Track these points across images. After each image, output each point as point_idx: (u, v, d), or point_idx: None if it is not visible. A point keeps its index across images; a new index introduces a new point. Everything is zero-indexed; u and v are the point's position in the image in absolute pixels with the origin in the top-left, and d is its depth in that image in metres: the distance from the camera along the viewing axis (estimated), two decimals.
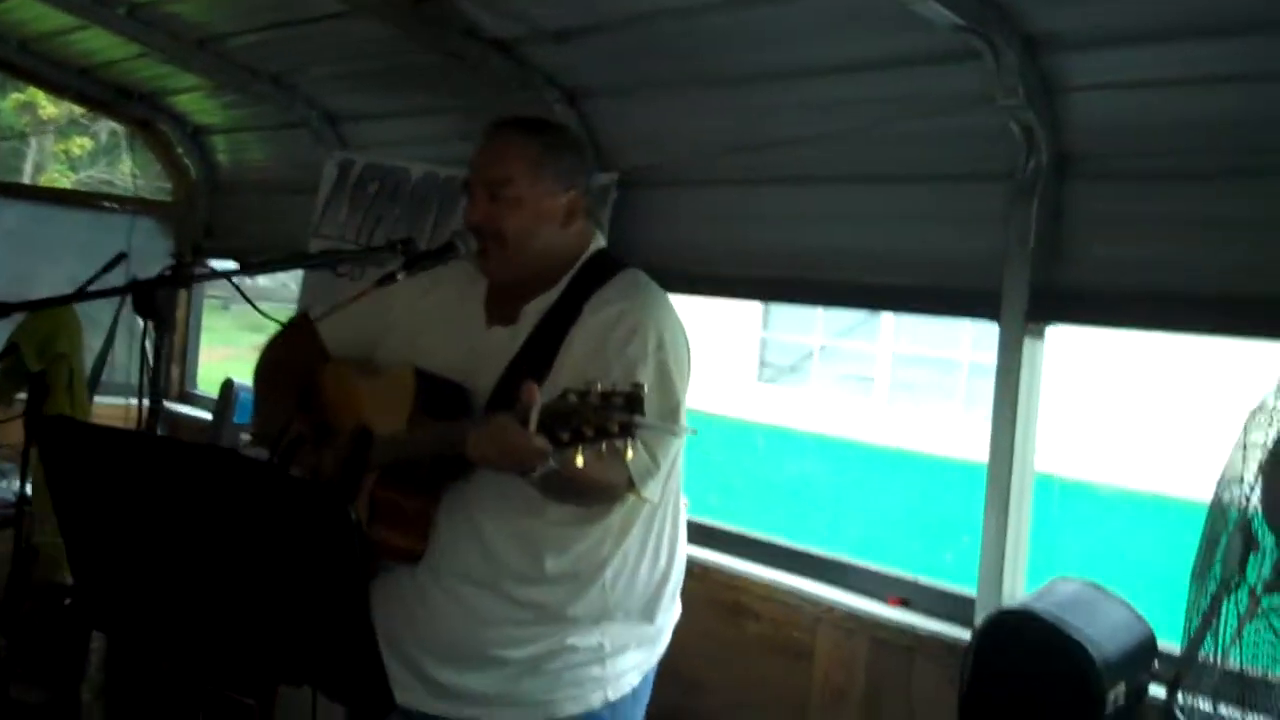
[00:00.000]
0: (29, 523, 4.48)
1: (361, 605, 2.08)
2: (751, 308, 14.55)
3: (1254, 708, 2.42)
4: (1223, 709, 2.44)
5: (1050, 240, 3.24)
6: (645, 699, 2.84)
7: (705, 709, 3.76)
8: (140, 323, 5.88)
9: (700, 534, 2.97)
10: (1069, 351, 3.32)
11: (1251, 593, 2.47)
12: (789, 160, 3.81)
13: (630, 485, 2.55)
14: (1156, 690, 2.66)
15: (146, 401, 2.56)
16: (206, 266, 2.51)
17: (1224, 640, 2.48)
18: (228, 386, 5.69)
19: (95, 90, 6.60)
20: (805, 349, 15.53)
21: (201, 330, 7.18)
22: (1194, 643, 2.55)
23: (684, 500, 2.88)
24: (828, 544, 3.96)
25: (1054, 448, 3.40)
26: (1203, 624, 2.54)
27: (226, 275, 2.57)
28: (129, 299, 2.56)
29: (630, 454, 2.17)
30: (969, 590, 3.37)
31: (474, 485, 2.64)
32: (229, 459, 2.49)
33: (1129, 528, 10.41)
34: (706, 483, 2.79)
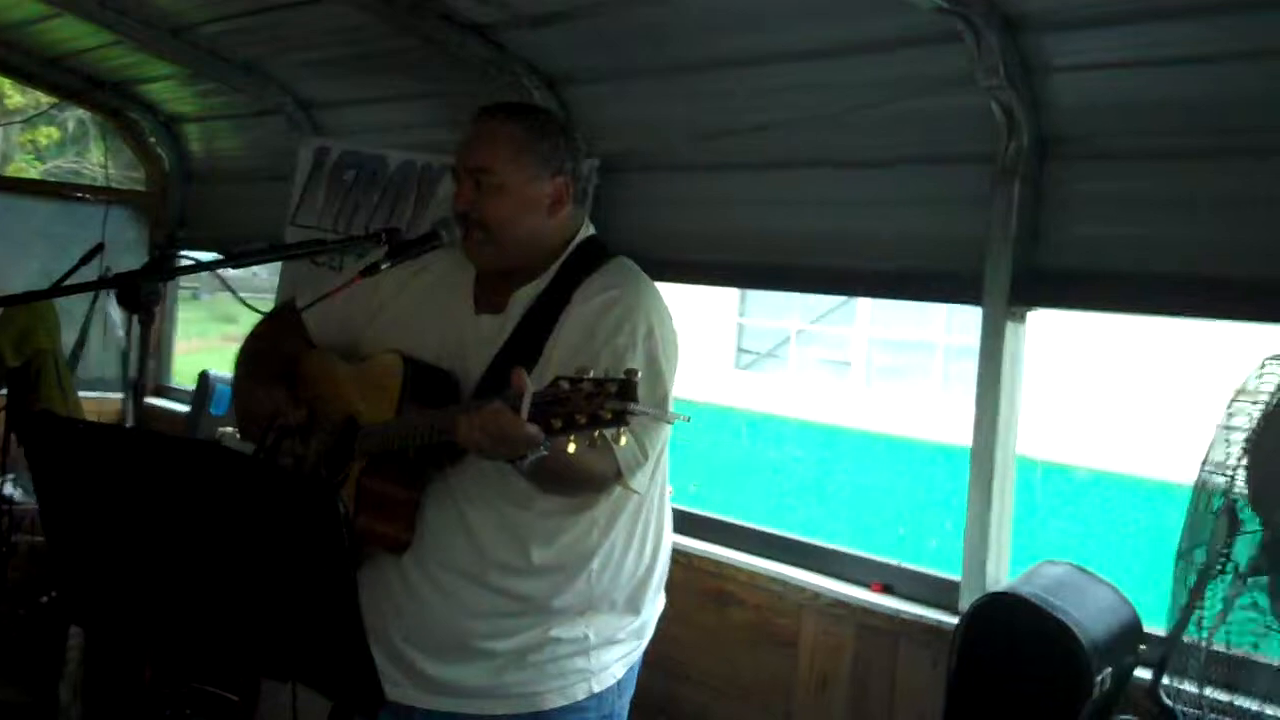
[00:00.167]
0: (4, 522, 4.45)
1: (351, 599, 2.06)
2: (728, 294, 14.57)
3: (1239, 689, 2.43)
4: (1208, 691, 2.45)
5: (1032, 223, 3.24)
6: (630, 690, 2.84)
7: (691, 697, 3.76)
8: (113, 316, 5.86)
9: (684, 522, 2.97)
10: (1043, 334, 3.32)
11: (1236, 574, 2.47)
12: (770, 145, 3.80)
13: (618, 476, 2.55)
14: (1143, 673, 2.67)
15: (132, 395, 2.51)
16: (189, 258, 2.48)
17: (1209, 622, 2.49)
18: (204, 378, 5.66)
19: (66, 79, 6.54)
20: (782, 334, 15.55)
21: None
22: (1179, 625, 2.56)
23: (668, 489, 2.88)
24: (810, 530, 3.97)
25: (1031, 431, 3.40)
26: (1187, 606, 2.55)
27: (211, 267, 2.54)
28: (106, 292, 2.54)
29: (623, 442, 2.17)
30: (953, 575, 3.37)
31: (461, 475, 2.63)
32: (216, 453, 2.47)
33: (1106, 509, 10.47)
34: (687, 470, 2.79)
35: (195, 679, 4.25)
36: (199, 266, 2.55)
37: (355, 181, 4.79)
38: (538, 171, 2.68)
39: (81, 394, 5.04)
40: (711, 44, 3.74)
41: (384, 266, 2.63)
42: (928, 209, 3.49)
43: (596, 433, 2.12)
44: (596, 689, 2.73)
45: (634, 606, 2.77)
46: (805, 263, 3.83)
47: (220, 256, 2.74)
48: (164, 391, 6.77)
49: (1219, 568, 2.48)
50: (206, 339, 13.04)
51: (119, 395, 6.02)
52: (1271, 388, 2.51)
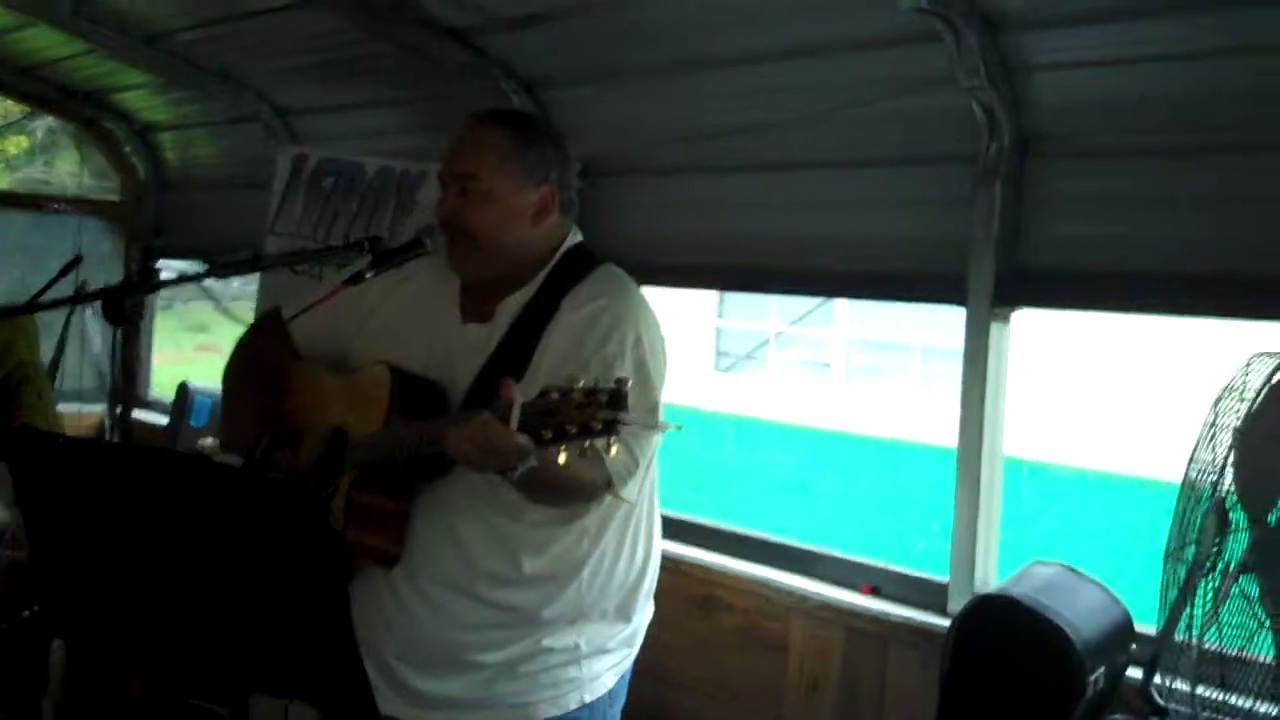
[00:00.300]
0: None
1: (342, 613, 2.07)
2: (706, 296, 14.57)
3: (1231, 687, 2.44)
4: (1201, 689, 2.46)
5: (1014, 223, 3.24)
6: (622, 698, 2.83)
7: (681, 703, 3.76)
8: (90, 327, 5.82)
9: (671, 528, 2.96)
10: (1021, 332, 3.33)
11: (1226, 572, 2.48)
12: (751, 147, 3.80)
13: (608, 485, 2.54)
14: (1135, 672, 2.68)
15: (119, 408, 2.50)
16: (173, 270, 2.47)
17: (1199, 620, 2.50)
18: (183, 390, 5.63)
19: (39, 89, 6.50)
20: (761, 336, 15.55)
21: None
22: (1169, 624, 2.56)
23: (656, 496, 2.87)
24: (795, 533, 3.96)
25: (1012, 429, 3.40)
26: (1177, 605, 2.56)
27: (195, 279, 2.52)
28: (85, 303, 2.52)
29: (614, 452, 2.15)
30: (941, 576, 3.38)
31: (450, 486, 2.62)
32: (205, 467, 2.45)
33: (1087, 507, 10.50)
34: (670, 476, 2.79)
35: (184, 693, 4.22)
36: (184, 279, 2.53)
37: (334, 189, 4.77)
38: (524, 180, 2.67)
39: (60, 406, 5.00)
40: (692, 46, 3.73)
41: (368, 275, 2.62)
42: (910, 210, 3.49)
43: (587, 443, 2.11)
44: (589, 698, 2.73)
45: (625, 614, 2.77)
46: (789, 265, 3.82)
47: (202, 266, 2.72)
48: (143, 403, 6.73)
49: (1209, 566, 2.48)
50: (180, 349, 12.97)
51: (98, 407, 5.98)
52: (1258, 385, 2.51)
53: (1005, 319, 3.31)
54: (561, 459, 2.14)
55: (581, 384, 2.12)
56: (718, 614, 3.75)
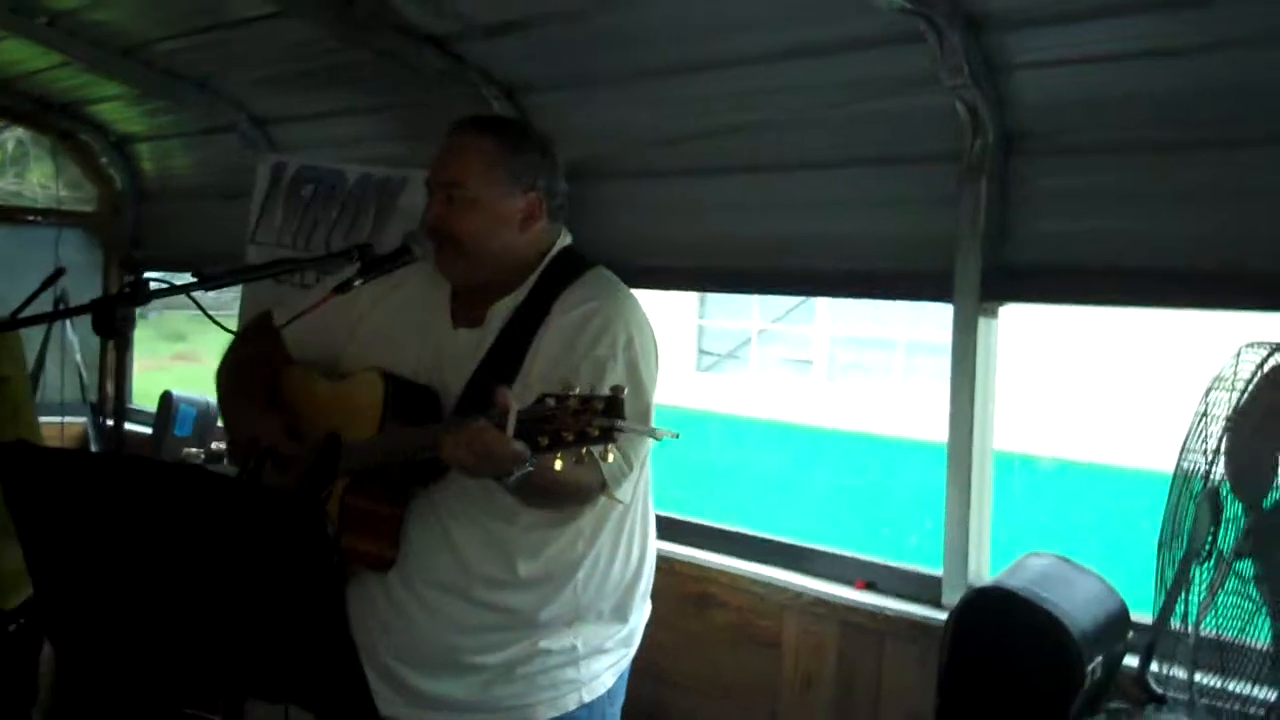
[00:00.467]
0: None
1: (340, 617, 2.06)
2: (687, 296, 14.57)
3: (1229, 673, 2.46)
4: (1199, 676, 2.48)
5: (1000, 219, 3.25)
6: (620, 698, 2.85)
7: (677, 701, 3.76)
8: (71, 339, 5.77)
9: (663, 527, 2.96)
10: (1007, 327, 3.35)
11: (1220, 560, 2.50)
12: (733, 149, 3.80)
13: (603, 488, 2.55)
14: (1131, 661, 2.69)
15: (111, 420, 2.49)
16: (162, 281, 2.46)
17: (1195, 608, 2.52)
18: (166, 399, 5.60)
19: (14, 102, 6.45)
20: (743, 335, 15.58)
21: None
22: (1164, 612, 2.58)
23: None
24: (784, 531, 3.97)
25: (1000, 424, 3.42)
26: (1172, 593, 2.57)
27: (185, 289, 2.52)
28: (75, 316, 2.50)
29: (610, 458, 2.17)
30: (935, 570, 3.39)
31: (444, 491, 2.62)
32: (198, 476, 2.45)
33: (1073, 499, 10.55)
34: (657, 475, 2.81)
35: (177, 701, 4.21)
36: (173, 290, 2.52)
37: (314, 197, 4.75)
38: (510, 187, 2.68)
39: (42, 418, 4.96)
40: (672, 49, 3.73)
41: (357, 283, 2.64)
42: (896, 209, 3.50)
43: (584, 449, 2.13)
44: (587, 698, 2.74)
45: (621, 615, 2.78)
46: (774, 265, 3.82)
47: (182, 277, 2.71)
48: (125, 413, 6.68)
49: (1203, 554, 2.50)
50: (157, 358, 12.89)
51: (80, 419, 5.95)
52: (1248, 374, 2.53)
53: (993, 314, 3.32)
54: (558, 465, 2.16)
55: (577, 391, 2.14)
56: (711, 612, 3.76)
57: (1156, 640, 2.58)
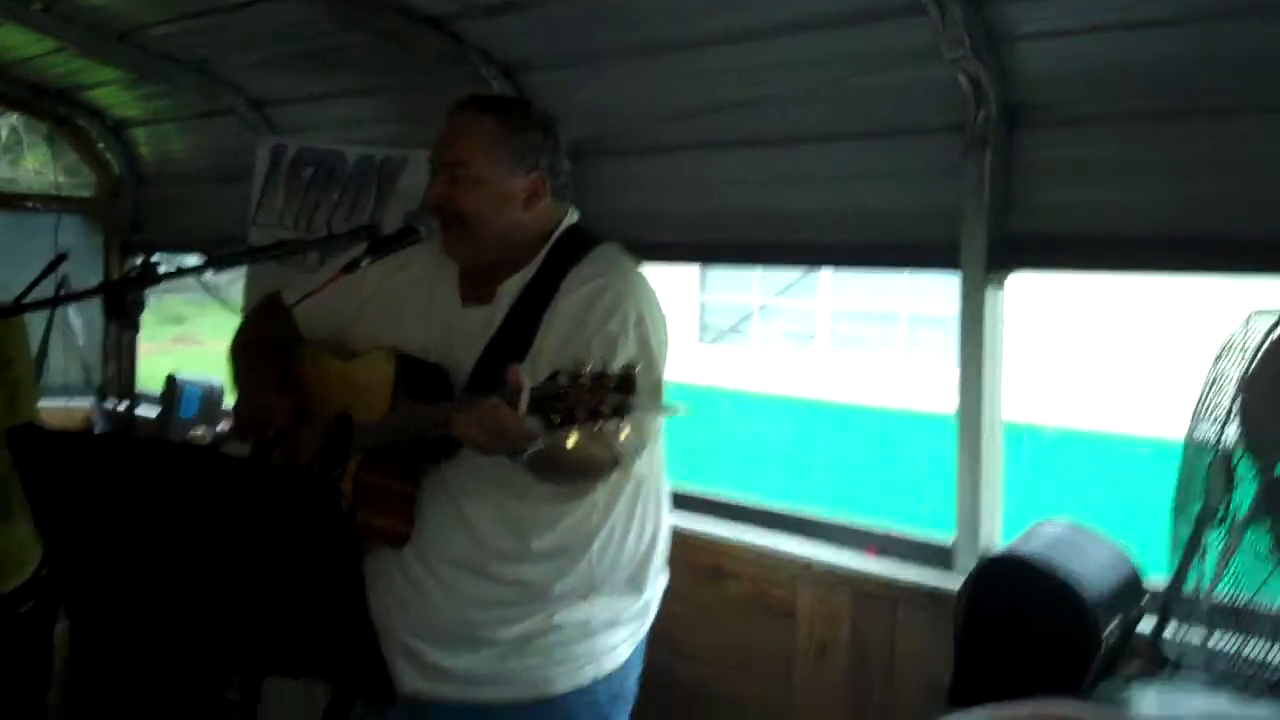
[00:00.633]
0: None
1: (357, 593, 2.07)
2: (688, 272, 14.53)
3: (1244, 636, 2.47)
4: (1214, 641, 2.49)
5: (1004, 190, 3.26)
6: (637, 670, 2.86)
7: (692, 672, 3.78)
8: (74, 323, 5.76)
9: (674, 500, 2.97)
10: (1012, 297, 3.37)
11: (1234, 524, 2.51)
12: (737, 124, 3.80)
13: (615, 462, 2.56)
14: (1146, 626, 2.70)
15: (124, 403, 2.50)
16: (172, 264, 2.48)
17: (1209, 573, 2.53)
18: (171, 382, 5.61)
19: (8, 88, 6.42)
20: (745, 309, 15.55)
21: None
22: (1178, 577, 2.59)
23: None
24: (796, 503, 3.98)
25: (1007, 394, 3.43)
26: (1186, 557, 2.59)
27: (194, 271, 2.52)
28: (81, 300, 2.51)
29: (623, 435, 2.17)
30: (946, 538, 3.40)
31: (457, 468, 2.63)
32: (211, 456, 2.46)
33: (1077, 467, 10.55)
34: (671, 450, 2.83)
35: (195, 680, 4.23)
36: (183, 272, 2.53)
37: (314, 178, 4.75)
38: (513, 166, 2.69)
39: (47, 402, 4.98)
40: (673, 24, 3.73)
41: (364, 263, 2.63)
42: (900, 181, 3.51)
43: (596, 426, 2.13)
44: (603, 671, 2.76)
45: (636, 587, 2.79)
46: (780, 238, 3.83)
47: (190, 260, 2.73)
48: (135, 396, 6.67)
49: (1216, 519, 2.52)
50: (157, 341, 12.91)
51: (85, 402, 5.95)
52: (1258, 341, 2.54)
53: (1000, 284, 3.33)
54: (571, 442, 2.16)
55: (590, 368, 2.14)
56: (725, 583, 3.77)
57: (1171, 605, 2.59)
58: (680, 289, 14.83)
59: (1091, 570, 2.67)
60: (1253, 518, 2.46)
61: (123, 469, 2.23)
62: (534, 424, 2.18)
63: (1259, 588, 2.45)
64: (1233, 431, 2.53)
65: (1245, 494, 2.49)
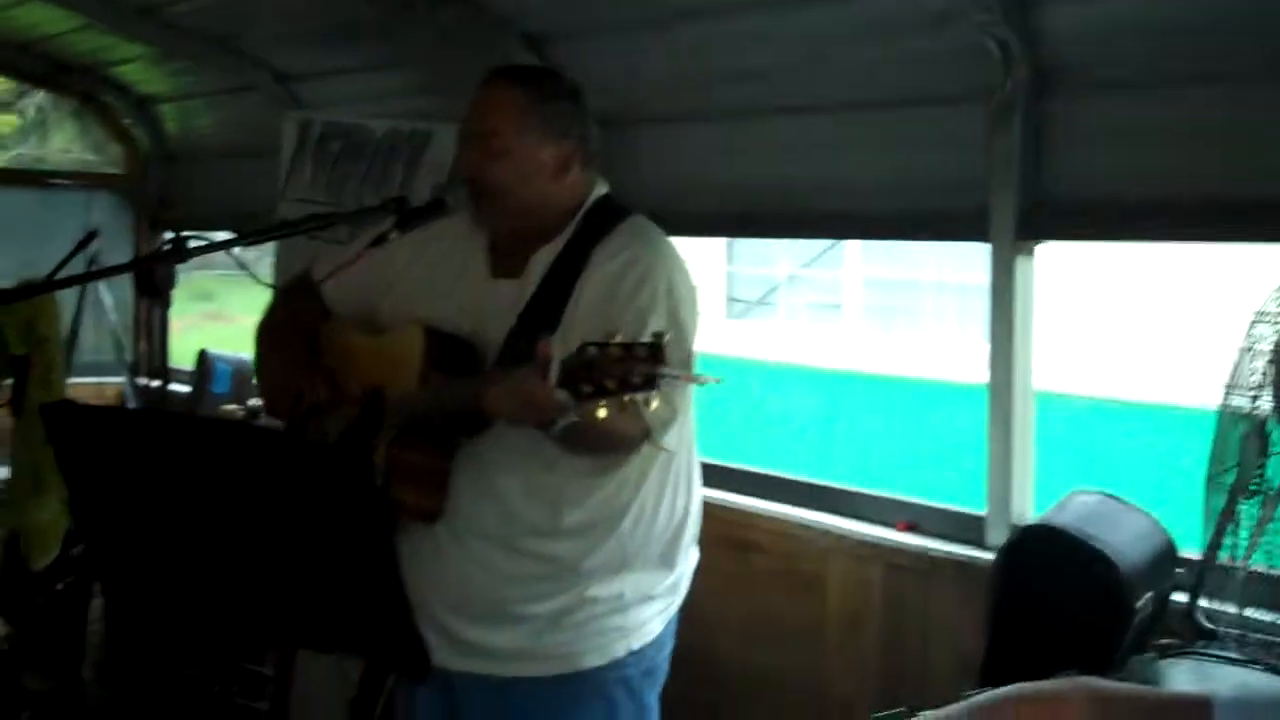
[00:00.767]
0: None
1: (392, 568, 2.07)
2: (715, 243, 14.48)
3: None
4: (1249, 611, 2.47)
5: (1034, 157, 3.23)
6: (669, 645, 2.85)
7: (723, 646, 3.78)
8: (105, 300, 5.80)
9: (703, 473, 2.97)
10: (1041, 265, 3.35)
11: (1268, 495, 2.49)
12: (761, 93, 3.78)
13: (647, 435, 2.55)
14: (1180, 597, 2.69)
15: (158, 380, 2.51)
16: (202, 239, 2.47)
17: (1244, 543, 2.51)
18: (203, 358, 5.64)
19: (35, 65, 6.44)
20: (772, 281, 15.49)
21: None
22: (1213, 547, 2.58)
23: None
24: (826, 476, 3.97)
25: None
26: (1220, 528, 2.57)
27: (225, 246, 2.52)
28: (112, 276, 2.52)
29: (654, 405, 2.16)
30: (978, 510, 3.39)
31: (489, 442, 2.62)
32: (245, 432, 2.47)
33: (1106, 437, 10.49)
34: (701, 424, 2.82)
35: (231, 655, 4.27)
36: (213, 246, 2.53)
37: (341, 152, 4.75)
38: (543, 136, 2.67)
39: (79, 379, 5.01)
40: None
41: (393, 236, 2.63)
42: (929, 148, 3.48)
43: (627, 397, 2.12)
44: (636, 646, 2.74)
45: (668, 562, 2.78)
46: (808, 208, 3.81)
47: (219, 236, 2.73)
48: (168, 372, 6.71)
49: (1251, 489, 2.50)
50: (187, 317, 12.95)
51: (118, 379, 5.98)
52: None
53: (1029, 253, 3.30)
54: (601, 414, 2.15)
55: (619, 338, 2.13)
56: (755, 556, 3.77)
57: (1205, 576, 2.58)
58: (708, 261, 14.78)
59: (1125, 542, 2.66)
60: None
61: (156, 444, 2.24)
62: (563, 396, 2.17)
63: None
64: (1266, 401, 2.51)
65: (1279, 464, 2.47)
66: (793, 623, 3.68)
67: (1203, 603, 2.58)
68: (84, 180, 6.69)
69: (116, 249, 5.87)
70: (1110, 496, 2.88)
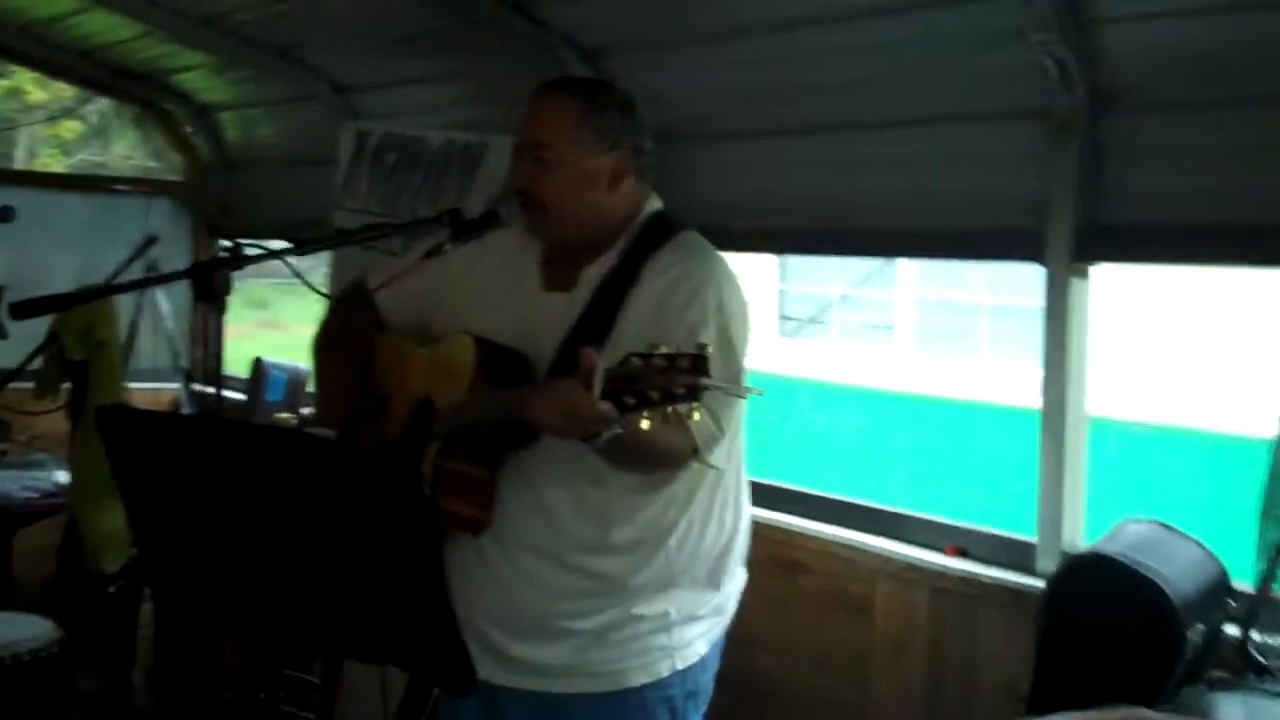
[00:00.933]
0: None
1: (438, 579, 2.07)
2: (768, 261, 14.44)
3: None
4: None
5: (1093, 177, 3.20)
6: (714, 666, 2.83)
7: (766, 667, 3.76)
8: (162, 306, 5.87)
9: (751, 492, 2.96)
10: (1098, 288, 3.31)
11: None
12: (818, 109, 3.77)
13: (694, 452, 2.53)
14: (1233, 629, 2.65)
15: (213, 387, 2.53)
16: (259, 246, 2.51)
17: None
18: (258, 365, 5.69)
19: (97, 73, 6.53)
20: (824, 299, 15.41)
21: None
22: (1266, 579, 2.54)
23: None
24: (872, 497, 3.94)
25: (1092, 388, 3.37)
26: (1274, 560, 2.53)
27: (280, 254, 2.54)
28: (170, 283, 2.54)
29: (696, 417, 2.15)
30: (1028, 537, 3.35)
31: (537, 455, 2.62)
32: (297, 439, 2.48)
33: (1166, 465, 10.35)
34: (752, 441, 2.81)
35: (277, 662, 4.29)
36: (268, 255, 2.56)
37: (397, 163, 4.78)
38: (596, 147, 2.67)
39: (135, 385, 5.07)
40: (754, 9, 3.70)
41: (447, 248, 2.64)
42: (984, 167, 3.46)
43: (670, 408, 2.11)
44: (680, 665, 2.73)
45: (714, 582, 2.76)
46: (861, 226, 3.79)
47: (276, 244, 2.75)
48: (222, 379, 6.76)
49: None
50: (243, 325, 13.06)
51: (173, 385, 6.05)
52: None
53: (1085, 275, 3.27)
54: (644, 425, 2.14)
55: (663, 349, 2.12)
56: (801, 577, 3.75)
57: (1258, 609, 2.53)
58: (760, 279, 14.74)
59: (1177, 572, 2.61)
60: None
61: (208, 449, 2.26)
62: (607, 407, 2.17)
63: None
64: None
65: None
66: (838, 645, 3.66)
67: (1255, 636, 2.53)
68: (144, 187, 6.76)
69: (175, 256, 5.94)
70: (1163, 525, 2.84)
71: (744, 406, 2.63)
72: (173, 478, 2.27)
